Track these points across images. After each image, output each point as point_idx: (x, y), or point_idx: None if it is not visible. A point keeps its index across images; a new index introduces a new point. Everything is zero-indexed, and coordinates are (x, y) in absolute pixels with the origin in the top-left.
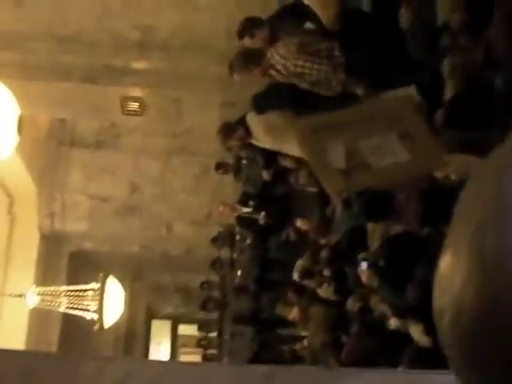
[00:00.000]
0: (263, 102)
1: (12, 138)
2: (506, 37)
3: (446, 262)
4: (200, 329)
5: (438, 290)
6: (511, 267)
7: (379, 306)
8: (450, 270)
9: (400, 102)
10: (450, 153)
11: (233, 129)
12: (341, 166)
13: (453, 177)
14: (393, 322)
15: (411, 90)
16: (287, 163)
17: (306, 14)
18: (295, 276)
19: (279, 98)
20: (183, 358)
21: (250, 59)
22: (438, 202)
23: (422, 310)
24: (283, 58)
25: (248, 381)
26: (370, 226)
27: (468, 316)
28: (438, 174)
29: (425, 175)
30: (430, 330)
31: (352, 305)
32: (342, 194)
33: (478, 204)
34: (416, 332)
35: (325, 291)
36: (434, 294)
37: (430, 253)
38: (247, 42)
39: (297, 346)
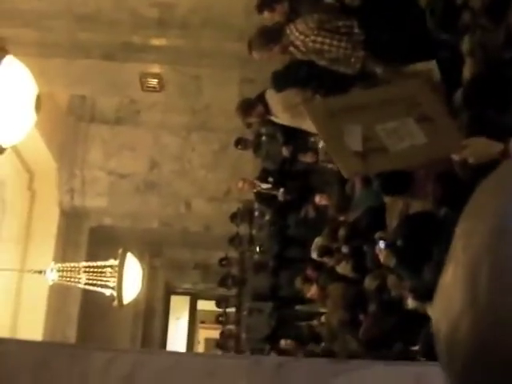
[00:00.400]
0: (282, 80)
1: (30, 118)
2: None
3: (446, 280)
4: (218, 305)
5: (437, 303)
6: (503, 309)
7: (397, 287)
8: (450, 291)
9: (418, 85)
10: (468, 134)
11: (252, 105)
12: (358, 148)
13: (470, 160)
14: (410, 303)
15: (431, 65)
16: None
17: None
18: (314, 254)
19: (298, 75)
20: (202, 334)
21: (269, 37)
22: (457, 183)
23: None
24: (302, 34)
25: (257, 373)
26: (389, 204)
27: (461, 345)
28: (456, 157)
29: (442, 158)
30: None
31: (370, 283)
32: (358, 175)
33: (475, 237)
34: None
35: (343, 268)
36: (434, 302)
37: (447, 233)
38: (266, 15)
39: (315, 323)
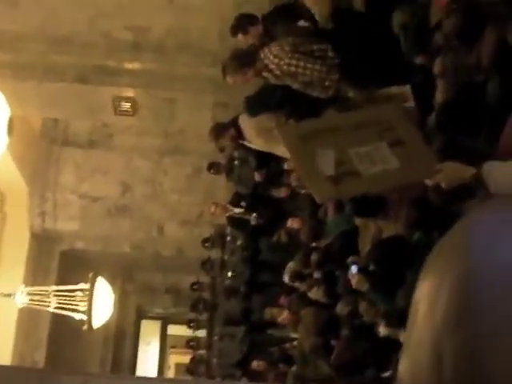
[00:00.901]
0: (256, 105)
1: (1, 140)
2: (494, 58)
3: (412, 342)
4: (190, 327)
5: (403, 359)
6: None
7: (369, 312)
8: (416, 353)
9: (391, 110)
10: (441, 158)
11: (225, 128)
12: (330, 172)
13: (443, 185)
14: (382, 330)
15: (405, 89)
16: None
17: (299, 12)
18: (286, 278)
19: (272, 100)
20: (172, 358)
21: (243, 60)
22: (430, 208)
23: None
24: (277, 58)
25: None
26: (362, 228)
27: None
28: (429, 182)
29: (415, 183)
30: None
31: (342, 308)
32: (331, 200)
33: (437, 309)
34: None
35: (315, 294)
36: (401, 356)
37: (420, 258)
38: (240, 38)
39: (287, 346)
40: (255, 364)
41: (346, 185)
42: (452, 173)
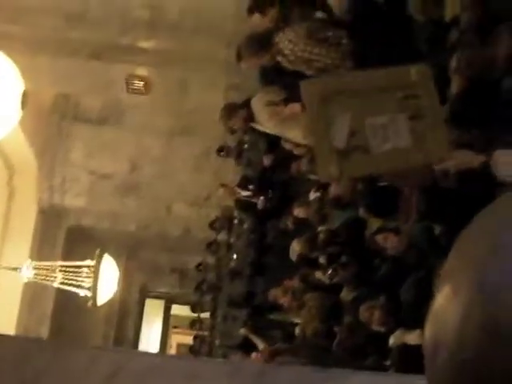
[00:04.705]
0: (270, 75)
1: (15, 114)
2: (509, 58)
3: (442, 298)
4: (193, 310)
5: (432, 325)
6: (510, 303)
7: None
8: (448, 306)
9: (422, 73)
10: (453, 147)
11: (236, 109)
12: (341, 145)
13: (451, 171)
14: (392, 340)
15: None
16: (289, 147)
17: (317, 1)
18: (293, 257)
19: (286, 80)
20: (175, 338)
21: (258, 44)
22: (440, 196)
23: (416, 314)
24: (292, 43)
25: (239, 378)
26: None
27: (469, 348)
28: (437, 168)
29: (423, 166)
30: None
31: (346, 294)
32: (333, 180)
33: (477, 244)
34: (416, 337)
35: (321, 276)
36: (426, 330)
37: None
38: (256, 19)
39: (289, 330)
40: (254, 356)
41: (351, 163)
42: (462, 160)
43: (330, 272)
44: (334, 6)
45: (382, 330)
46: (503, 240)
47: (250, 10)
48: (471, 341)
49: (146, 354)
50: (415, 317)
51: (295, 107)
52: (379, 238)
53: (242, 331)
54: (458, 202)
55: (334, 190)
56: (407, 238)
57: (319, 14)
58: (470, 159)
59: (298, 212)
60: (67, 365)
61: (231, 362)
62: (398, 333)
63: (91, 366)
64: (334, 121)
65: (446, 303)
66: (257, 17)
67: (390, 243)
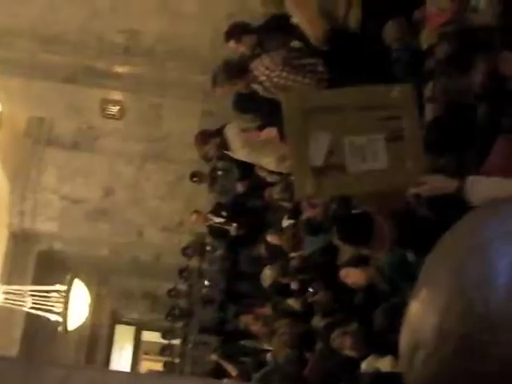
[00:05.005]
0: (245, 102)
1: None
2: (485, 86)
3: (419, 303)
4: (164, 336)
5: (409, 328)
6: (491, 291)
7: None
8: (426, 307)
9: (405, 93)
10: (427, 172)
11: (210, 136)
12: (318, 162)
13: (423, 195)
14: (364, 366)
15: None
16: (263, 174)
17: (293, 31)
18: (265, 284)
19: (261, 108)
20: (145, 365)
21: (233, 72)
22: (411, 226)
23: (388, 341)
24: (268, 69)
25: None
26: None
27: (453, 338)
28: (411, 191)
29: (396, 191)
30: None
31: (318, 321)
32: (309, 198)
33: (455, 246)
34: (387, 363)
35: (294, 302)
36: (403, 335)
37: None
38: (232, 45)
39: (261, 357)
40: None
41: (328, 182)
42: (436, 185)
43: (301, 300)
44: (310, 36)
45: (354, 355)
46: (478, 241)
47: (227, 36)
48: (452, 332)
49: (121, 372)
50: (387, 343)
51: (271, 132)
52: (342, 274)
53: (214, 357)
54: (430, 228)
55: (306, 213)
56: (374, 269)
57: (296, 43)
58: (443, 184)
59: (271, 239)
60: (39, 383)
61: (205, 380)
62: (370, 359)
63: (64, 383)
64: (313, 137)
65: (423, 306)
66: (232, 44)
67: (350, 279)
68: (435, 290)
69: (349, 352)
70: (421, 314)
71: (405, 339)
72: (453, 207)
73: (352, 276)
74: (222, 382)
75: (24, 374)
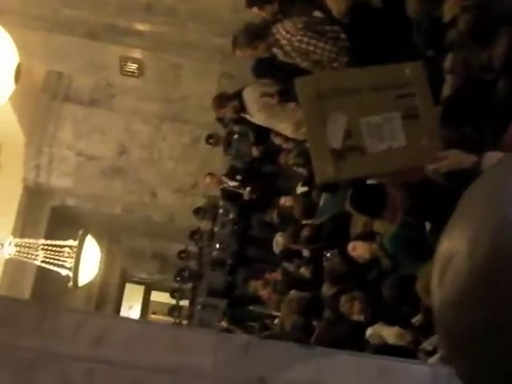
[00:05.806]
0: (264, 67)
1: (9, 86)
2: (505, 60)
3: (459, 213)
4: (172, 295)
5: (449, 235)
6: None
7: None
8: (463, 220)
9: (417, 70)
10: (445, 147)
11: (228, 99)
12: (336, 145)
13: (442, 170)
14: (370, 331)
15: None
16: (278, 141)
17: (316, 1)
18: (276, 250)
19: (280, 72)
20: None
21: (254, 34)
22: (426, 196)
23: (396, 312)
24: (289, 33)
25: (225, 349)
26: (354, 214)
27: (486, 247)
28: (430, 167)
29: (416, 167)
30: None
31: (326, 290)
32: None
33: (492, 170)
34: (392, 334)
35: (304, 269)
36: (442, 241)
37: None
38: (255, 11)
39: (268, 322)
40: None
41: (347, 164)
42: (454, 159)
43: (311, 268)
44: (332, 9)
45: (363, 320)
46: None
47: (249, 3)
48: (485, 242)
49: (133, 320)
50: (396, 314)
51: (290, 106)
52: (349, 247)
53: (223, 324)
54: (446, 200)
55: None
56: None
57: (317, 13)
58: (461, 158)
59: (285, 201)
60: (55, 325)
61: (218, 333)
62: (376, 326)
63: (79, 328)
64: (330, 119)
65: (461, 219)
66: (255, 9)
67: (356, 252)
68: (472, 206)
69: (357, 317)
70: (457, 227)
71: (440, 253)
72: (470, 181)
73: (358, 249)
74: (232, 336)
75: (40, 318)
